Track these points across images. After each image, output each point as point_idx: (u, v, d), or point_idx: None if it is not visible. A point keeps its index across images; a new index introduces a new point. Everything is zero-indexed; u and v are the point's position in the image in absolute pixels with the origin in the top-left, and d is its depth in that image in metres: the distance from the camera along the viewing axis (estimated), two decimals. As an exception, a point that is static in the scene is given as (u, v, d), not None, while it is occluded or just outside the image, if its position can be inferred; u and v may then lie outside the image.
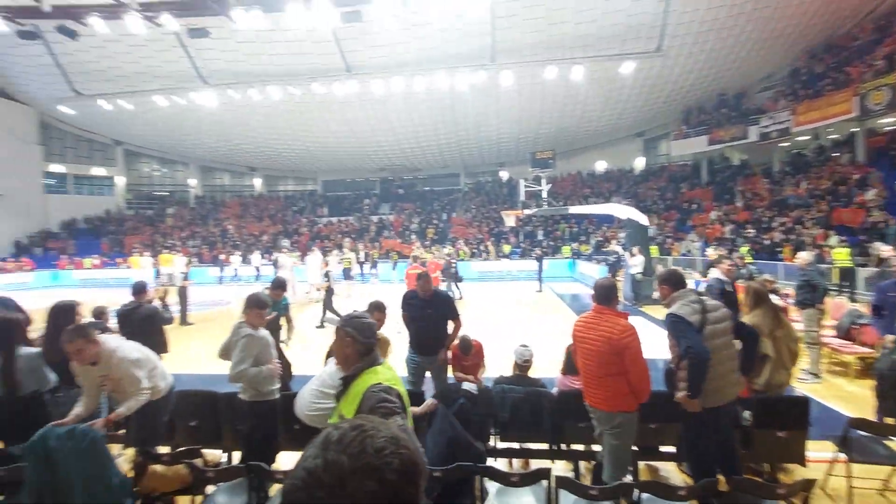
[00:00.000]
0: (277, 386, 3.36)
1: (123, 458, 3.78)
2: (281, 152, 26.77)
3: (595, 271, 15.79)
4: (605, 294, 2.82)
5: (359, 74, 18.76)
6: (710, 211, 18.91)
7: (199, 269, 20.12)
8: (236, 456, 3.60)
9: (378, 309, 3.64)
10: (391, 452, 0.62)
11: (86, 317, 4.00)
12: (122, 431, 3.52)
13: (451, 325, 4.32)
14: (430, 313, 4.25)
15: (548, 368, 4.76)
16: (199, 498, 2.91)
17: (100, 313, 4.69)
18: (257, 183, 31.12)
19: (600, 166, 27.01)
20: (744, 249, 14.00)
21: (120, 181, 28.94)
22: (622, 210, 13.24)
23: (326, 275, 10.44)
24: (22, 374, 3.24)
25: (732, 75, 19.91)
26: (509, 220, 17.91)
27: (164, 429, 3.40)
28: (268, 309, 3.23)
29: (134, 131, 25.55)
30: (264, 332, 3.27)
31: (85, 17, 15.70)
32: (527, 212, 17.05)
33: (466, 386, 3.17)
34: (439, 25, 16.76)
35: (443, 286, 12.36)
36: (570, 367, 3.47)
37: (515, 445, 3.38)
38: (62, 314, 3.49)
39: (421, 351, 4.26)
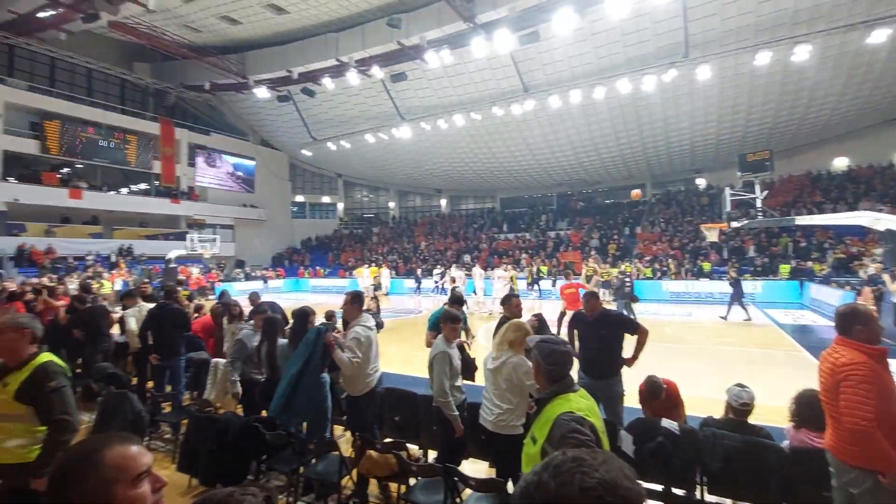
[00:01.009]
0: (464, 397, 3.57)
1: (343, 439, 4.53)
2: (463, 174, 28.83)
3: (835, 297, 12.50)
4: (842, 322, 2.33)
5: (536, 93, 19.04)
6: None
7: (396, 281, 23.02)
8: (432, 454, 3.94)
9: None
10: (597, 497, 0.59)
11: (319, 318, 4.97)
12: (343, 417, 4.23)
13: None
14: (602, 334, 4.04)
15: (762, 416, 3.94)
16: (402, 487, 3.29)
17: (330, 316, 5.77)
18: (443, 203, 34.09)
19: (839, 164, 21.48)
20: None
21: (340, 207, 35.34)
22: (878, 220, 10.23)
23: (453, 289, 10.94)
24: (280, 360, 4.21)
25: None
26: (711, 234, 15.51)
27: (374, 419, 3.97)
28: (461, 323, 3.47)
29: (350, 165, 30.92)
30: (455, 349, 3.52)
31: (320, 79, 19.81)
32: (734, 224, 14.51)
33: (666, 423, 2.85)
34: (622, 30, 15.88)
35: (612, 306, 11.44)
36: (805, 418, 2.80)
37: (728, 502, 2.89)
38: (302, 316, 4.43)
39: (591, 373, 4.05)
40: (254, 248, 29.11)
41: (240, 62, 21.19)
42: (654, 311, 14.11)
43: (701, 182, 24.90)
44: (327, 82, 19.67)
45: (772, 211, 16.51)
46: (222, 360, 5.11)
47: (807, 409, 2.73)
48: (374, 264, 22.60)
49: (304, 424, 3.92)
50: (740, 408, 2.98)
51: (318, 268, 28.02)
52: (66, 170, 22.26)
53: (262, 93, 21.51)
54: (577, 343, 4.29)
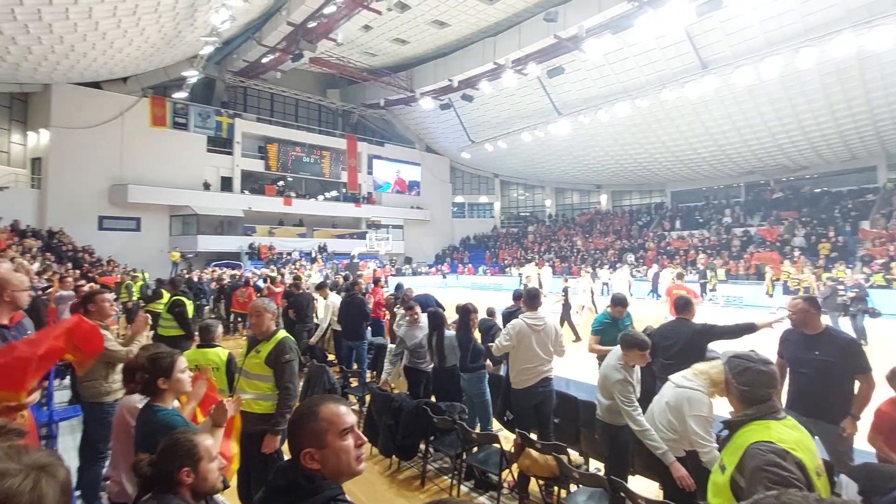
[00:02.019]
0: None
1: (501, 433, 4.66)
2: (627, 167, 26.70)
3: None
4: None
5: (717, 68, 16.50)
6: None
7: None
8: (593, 464, 3.79)
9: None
10: None
11: (480, 314, 5.19)
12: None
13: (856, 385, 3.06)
14: (816, 356, 3.15)
15: None
16: (563, 492, 3.24)
17: (491, 313, 5.99)
18: (603, 199, 32.15)
19: None
20: None
21: (497, 206, 36.21)
22: None
23: (564, 290, 10.20)
24: (447, 350, 4.53)
25: None
26: None
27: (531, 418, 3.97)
28: (648, 349, 3.15)
29: (506, 164, 31.42)
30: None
31: (478, 83, 20.58)
32: None
33: (913, 474, 2.21)
34: (843, -25, 12.71)
35: (825, 320, 9.19)
36: None
37: None
38: (464, 312, 4.68)
39: (802, 409, 3.12)
40: (420, 246, 31.83)
41: (408, 78, 23.38)
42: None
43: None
44: (485, 86, 20.32)
45: None
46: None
47: None
48: (535, 264, 22.05)
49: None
50: None
51: (469, 265, 29.21)
52: (280, 183, 27.64)
53: (426, 104, 23.34)
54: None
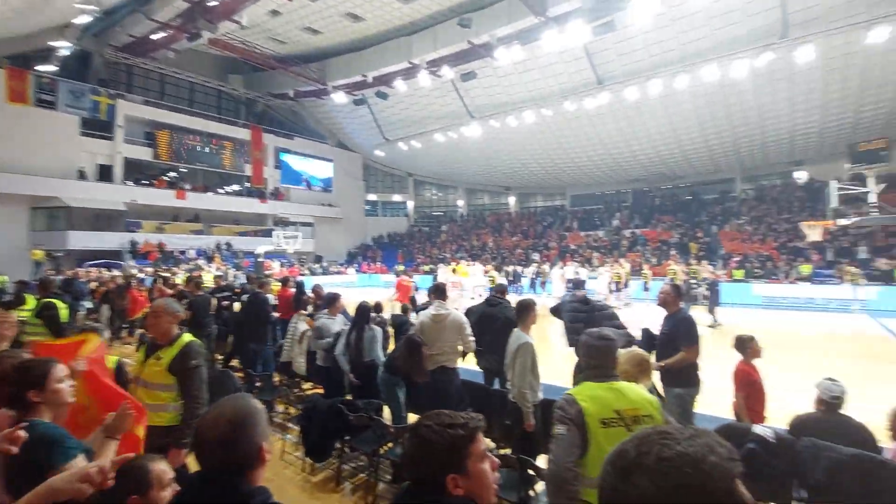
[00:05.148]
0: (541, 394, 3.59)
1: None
2: (533, 171, 28.38)
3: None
4: None
5: (611, 85, 18.25)
6: None
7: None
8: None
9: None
10: (674, 468, 0.60)
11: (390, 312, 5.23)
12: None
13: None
14: (664, 332, 3.98)
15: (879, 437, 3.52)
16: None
17: (405, 310, 6.03)
18: (511, 201, 33.80)
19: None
20: None
21: (410, 205, 36.31)
22: None
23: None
24: (365, 344, 4.52)
25: None
26: (813, 233, 14.02)
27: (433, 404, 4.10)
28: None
29: (420, 164, 31.66)
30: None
31: (393, 81, 20.48)
32: (841, 222, 12.96)
33: (759, 430, 2.67)
34: (708, 13, 14.77)
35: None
36: None
37: None
38: (364, 310, 4.76)
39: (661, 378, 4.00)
40: (331, 245, 30.81)
41: (320, 70, 22.52)
42: (742, 316, 13.01)
43: (801, 175, 22.43)
44: (399, 84, 20.28)
45: (889, 207, 14.52)
46: (304, 325, 5.57)
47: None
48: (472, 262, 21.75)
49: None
50: (831, 401, 2.89)
51: (379, 263, 29.01)
52: (172, 174, 25.00)
53: (339, 98, 22.68)
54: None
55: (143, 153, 23.33)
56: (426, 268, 25.42)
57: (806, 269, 16.99)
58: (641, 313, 9.34)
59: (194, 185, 25.33)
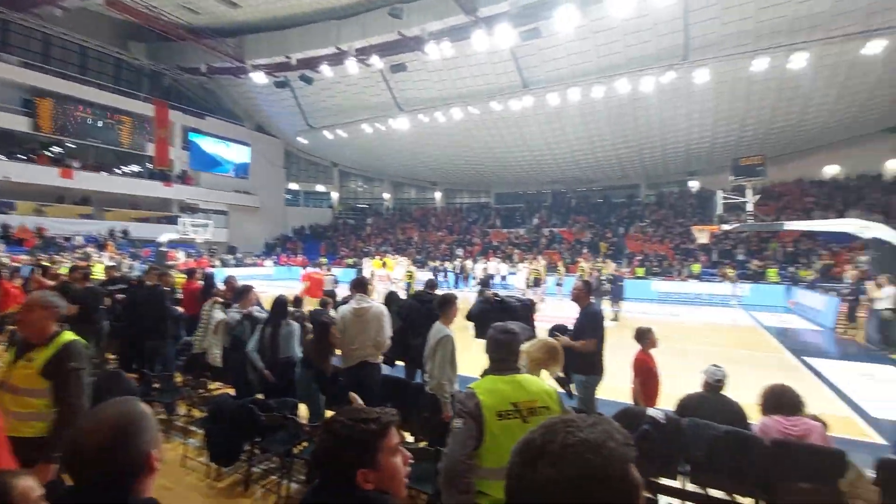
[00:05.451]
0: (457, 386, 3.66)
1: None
2: (459, 167, 28.83)
3: (820, 302, 12.77)
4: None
5: (535, 89, 19.06)
6: None
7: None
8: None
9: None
10: (577, 453, 0.64)
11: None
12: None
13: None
14: (575, 325, 4.38)
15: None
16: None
17: (324, 303, 5.82)
18: (437, 196, 34.08)
19: (830, 171, 21.81)
20: None
21: (335, 196, 35.18)
22: (867, 227, 10.45)
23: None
24: (280, 340, 4.29)
25: None
26: (701, 236, 15.78)
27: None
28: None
29: (346, 154, 30.76)
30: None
31: (318, 66, 19.62)
32: (724, 227, 14.73)
33: (652, 412, 2.94)
34: (623, 30, 15.94)
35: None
36: (771, 406, 2.84)
37: (719, 494, 2.92)
38: (281, 305, 4.58)
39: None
40: (247, 235, 28.93)
41: (238, 46, 20.92)
42: (641, 310, 14.31)
43: (694, 185, 25.16)
44: (326, 70, 19.50)
45: (762, 216, 16.77)
46: (221, 314, 5.16)
47: (774, 399, 2.84)
48: (392, 256, 21.29)
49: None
50: (715, 384, 3.31)
51: (298, 256, 27.89)
52: (57, 149, 21.91)
53: (259, 78, 21.28)
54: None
55: (20, 123, 20.13)
56: (349, 261, 24.91)
57: (696, 268, 19.13)
58: (556, 308, 9.93)
59: (84, 164, 22.37)
